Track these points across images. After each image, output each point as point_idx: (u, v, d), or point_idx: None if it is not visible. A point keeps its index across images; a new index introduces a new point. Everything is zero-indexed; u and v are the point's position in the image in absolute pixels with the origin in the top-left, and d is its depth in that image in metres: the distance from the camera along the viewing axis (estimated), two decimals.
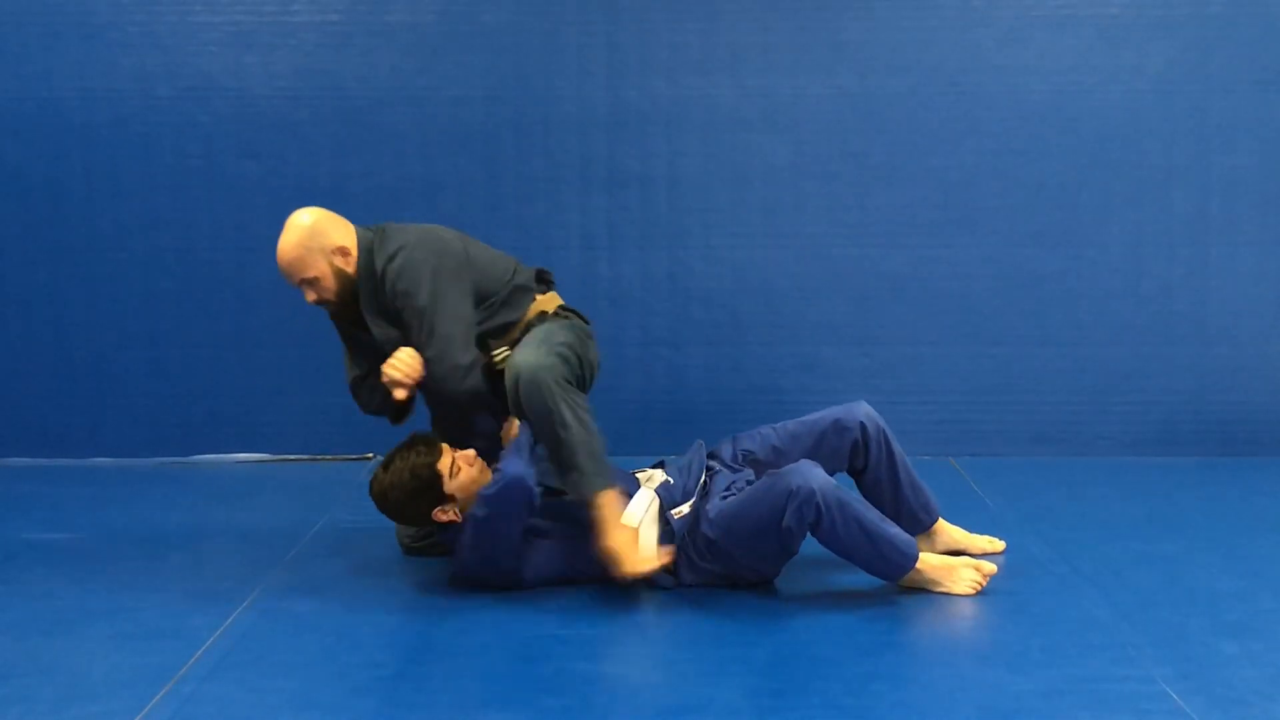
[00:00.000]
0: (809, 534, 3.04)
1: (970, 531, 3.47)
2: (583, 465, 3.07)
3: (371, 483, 3.19)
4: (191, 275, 4.65)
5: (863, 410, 3.32)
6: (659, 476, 3.31)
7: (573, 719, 2.43)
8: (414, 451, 3.14)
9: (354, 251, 3.27)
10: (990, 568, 3.13)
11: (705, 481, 3.27)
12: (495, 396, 3.29)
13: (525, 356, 3.10)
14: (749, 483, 3.20)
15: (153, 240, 4.64)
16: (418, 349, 3.20)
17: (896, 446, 3.33)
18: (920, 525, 3.32)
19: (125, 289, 4.65)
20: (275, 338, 4.66)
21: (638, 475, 3.33)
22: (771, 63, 4.60)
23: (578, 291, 4.54)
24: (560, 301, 3.47)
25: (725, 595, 3.11)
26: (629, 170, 4.63)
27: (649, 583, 3.13)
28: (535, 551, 3.15)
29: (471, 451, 3.18)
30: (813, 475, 2.98)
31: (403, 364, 3.17)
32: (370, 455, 4.68)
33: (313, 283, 3.26)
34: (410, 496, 3.12)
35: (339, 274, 3.26)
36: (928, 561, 3.13)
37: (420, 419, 3.44)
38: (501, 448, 3.22)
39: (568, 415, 3.06)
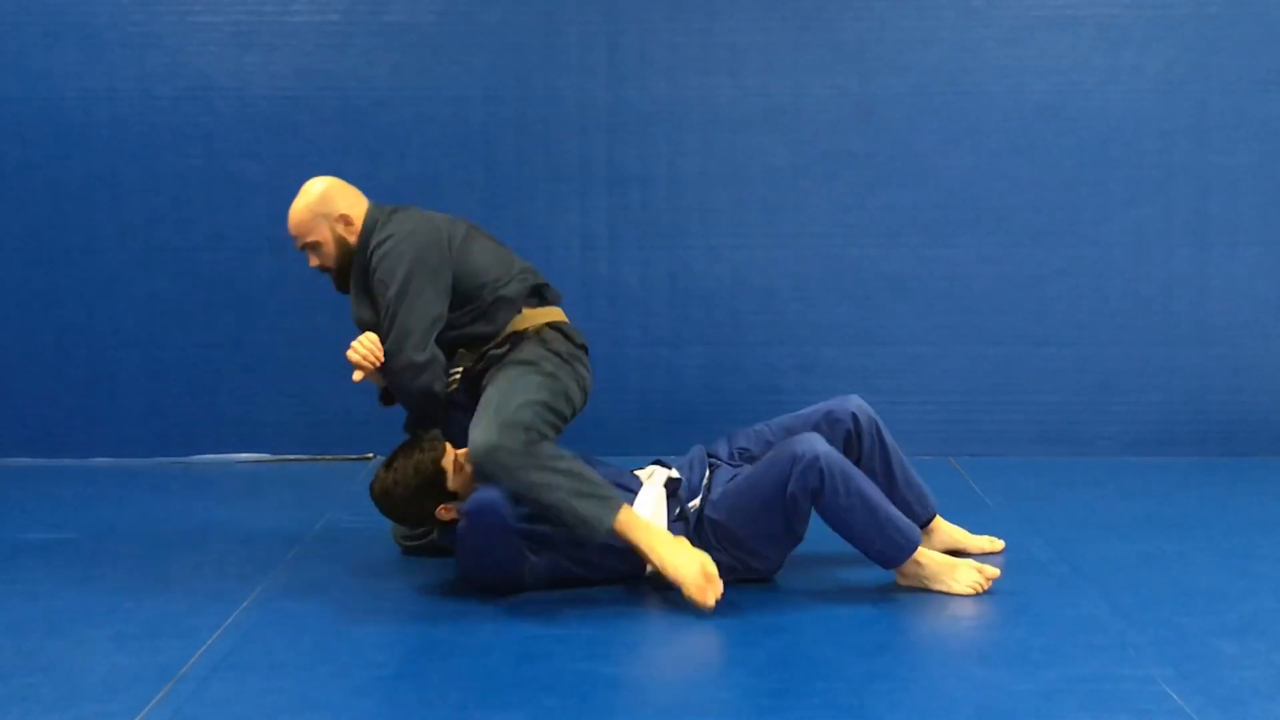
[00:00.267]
0: (812, 508, 3.03)
1: (970, 532, 3.46)
2: (582, 512, 3.00)
3: (373, 483, 3.19)
4: (191, 275, 4.65)
5: (854, 402, 3.34)
6: (660, 473, 3.31)
7: (572, 719, 2.43)
8: (417, 449, 3.14)
9: (357, 223, 3.30)
10: (993, 571, 3.12)
11: (709, 478, 3.28)
12: (454, 406, 3.29)
13: (476, 436, 3.00)
14: None
15: (153, 240, 4.64)
16: (381, 338, 3.21)
17: (890, 439, 3.34)
18: (916, 518, 3.31)
19: (125, 289, 4.65)
20: (275, 338, 4.66)
21: (637, 474, 3.33)
22: (771, 63, 4.60)
23: (578, 292, 4.55)
24: (551, 318, 3.34)
25: (726, 595, 3.10)
26: (629, 170, 4.63)
27: (654, 583, 3.13)
28: (536, 555, 3.14)
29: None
30: (817, 442, 3.02)
31: (362, 347, 3.20)
32: (370, 455, 4.68)
33: (315, 247, 3.33)
34: (414, 494, 3.12)
35: (340, 242, 3.31)
36: (929, 557, 3.12)
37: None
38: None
39: (541, 478, 2.98)
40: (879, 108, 4.61)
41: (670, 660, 2.82)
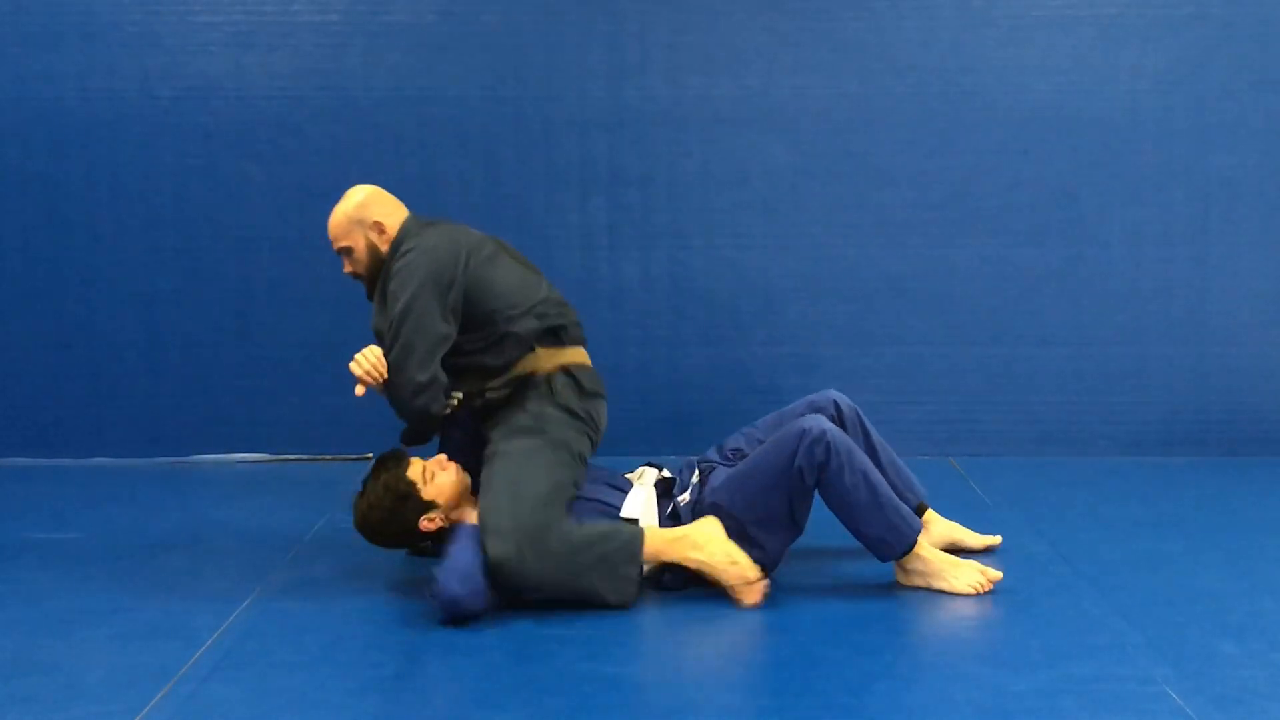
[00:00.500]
0: (816, 489, 3.04)
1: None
2: (614, 575, 2.99)
3: (353, 516, 3.18)
4: (191, 275, 4.65)
5: (834, 393, 3.37)
6: (650, 474, 3.32)
7: (572, 719, 2.43)
8: (383, 469, 3.14)
9: (391, 232, 3.29)
10: (995, 574, 3.12)
11: (703, 476, 3.28)
12: (454, 426, 3.30)
13: (494, 549, 2.93)
14: None
15: (153, 240, 4.64)
16: (385, 352, 3.18)
17: (874, 431, 3.36)
18: (907, 503, 3.31)
19: (125, 289, 4.65)
20: (275, 338, 4.66)
21: (629, 476, 3.34)
22: (771, 63, 4.60)
23: (578, 292, 4.54)
24: (567, 360, 3.28)
25: (725, 596, 3.10)
26: (629, 170, 4.63)
27: (655, 583, 3.13)
28: None
29: (442, 455, 3.18)
30: (823, 420, 3.06)
31: (365, 361, 3.17)
32: (370, 455, 4.68)
33: (347, 252, 3.32)
34: (391, 513, 3.11)
35: (372, 250, 3.30)
36: (932, 553, 3.13)
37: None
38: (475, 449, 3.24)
39: (564, 573, 2.96)
40: (879, 108, 4.61)
41: (670, 660, 2.82)
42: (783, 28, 4.59)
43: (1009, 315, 4.65)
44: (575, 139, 4.62)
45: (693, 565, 3.08)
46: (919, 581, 3.14)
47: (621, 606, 3.01)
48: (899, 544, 3.08)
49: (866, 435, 3.35)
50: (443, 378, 3.17)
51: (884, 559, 3.13)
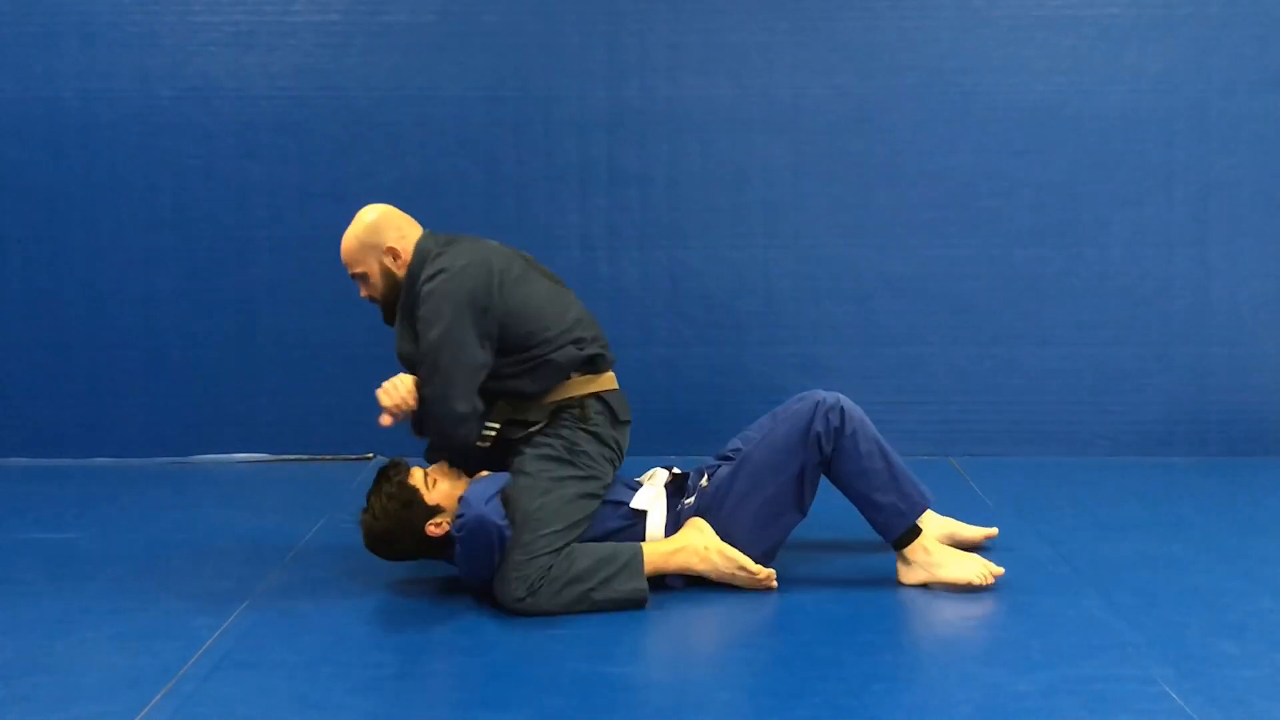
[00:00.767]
0: (831, 458, 3.08)
1: None
2: (617, 596, 3.02)
3: (362, 531, 3.17)
4: (191, 275, 4.65)
5: (821, 390, 3.32)
6: (661, 474, 3.34)
7: (572, 719, 2.43)
8: (384, 480, 3.14)
9: (406, 256, 3.19)
10: (998, 569, 3.14)
11: (708, 478, 3.29)
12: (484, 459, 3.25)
13: (504, 592, 2.99)
14: None
15: (153, 240, 4.64)
16: (419, 383, 3.10)
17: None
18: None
19: (125, 289, 4.65)
20: (275, 338, 4.66)
21: (640, 479, 3.35)
22: (771, 63, 4.60)
23: (578, 292, 4.51)
24: (599, 388, 3.25)
25: (725, 595, 3.11)
26: (629, 170, 4.63)
27: (658, 583, 3.14)
28: None
29: (444, 462, 3.18)
30: (837, 393, 3.14)
31: (395, 393, 3.07)
32: (370, 455, 4.68)
33: (362, 278, 3.24)
34: (397, 521, 3.10)
35: (386, 275, 3.21)
36: (935, 544, 3.14)
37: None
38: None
39: (569, 597, 3.00)
40: (879, 108, 4.61)
41: (670, 660, 2.82)
42: (783, 28, 4.59)
43: (1009, 315, 4.65)
44: (575, 139, 4.62)
45: (698, 573, 3.13)
46: (922, 575, 3.14)
47: (636, 607, 3.06)
48: (911, 511, 3.11)
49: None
50: (480, 406, 3.11)
51: (894, 531, 3.13)
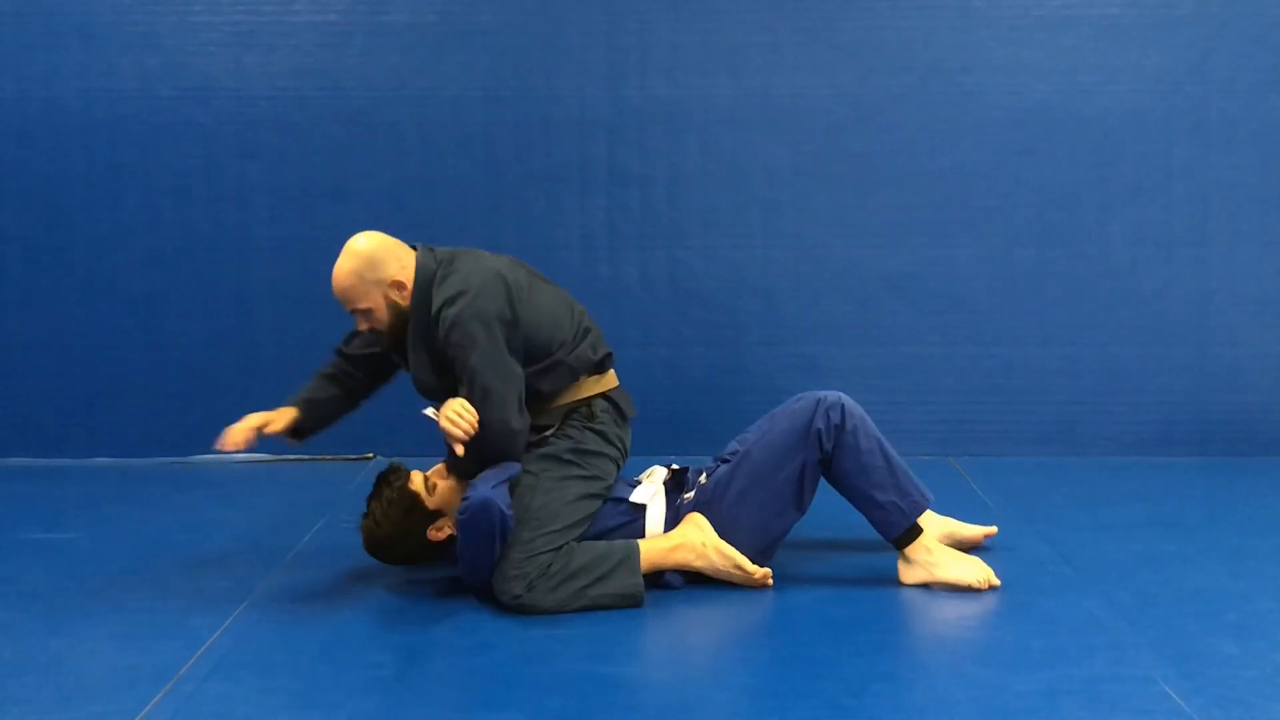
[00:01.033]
0: (831, 455, 3.08)
1: None
2: (614, 592, 3.03)
3: (363, 537, 3.17)
4: (191, 275, 4.65)
5: (820, 391, 3.32)
6: (660, 471, 3.34)
7: (572, 719, 2.43)
8: (384, 485, 3.14)
9: (410, 285, 3.10)
10: (997, 581, 3.14)
11: (707, 476, 3.30)
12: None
13: (500, 589, 3.01)
14: None
15: (153, 240, 4.64)
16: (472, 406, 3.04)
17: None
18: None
19: (125, 289, 4.65)
20: (275, 338, 4.66)
21: (639, 478, 3.35)
22: (771, 63, 4.60)
23: (578, 292, 4.51)
24: (605, 388, 3.27)
25: (725, 595, 3.11)
26: (629, 170, 4.63)
27: (657, 581, 3.14)
28: None
29: (441, 466, 3.18)
30: (839, 391, 3.15)
31: (464, 420, 2.98)
32: (370, 455, 4.68)
33: (366, 314, 3.12)
34: (399, 525, 3.11)
35: (392, 307, 3.11)
36: (936, 544, 3.14)
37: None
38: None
39: (566, 594, 3.01)
40: (879, 108, 4.61)
41: (670, 660, 2.82)
42: (783, 28, 4.59)
43: (1009, 315, 4.65)
44: (575, 139, 4.61)
45: (695, 569, 3.13)
46: (922, 575, 3.14)
47: (633, 605, 3.06)
48: (912, 510, 3.11)
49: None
50: (529, 418, 3.12)
51: (895, 529, 3.13)
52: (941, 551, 3.15)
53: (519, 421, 3.06)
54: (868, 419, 3.15)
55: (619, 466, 3.27)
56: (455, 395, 3.07)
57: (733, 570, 3.12)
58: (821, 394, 3.15)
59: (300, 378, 4.66)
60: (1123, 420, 4.66)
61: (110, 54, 4.58)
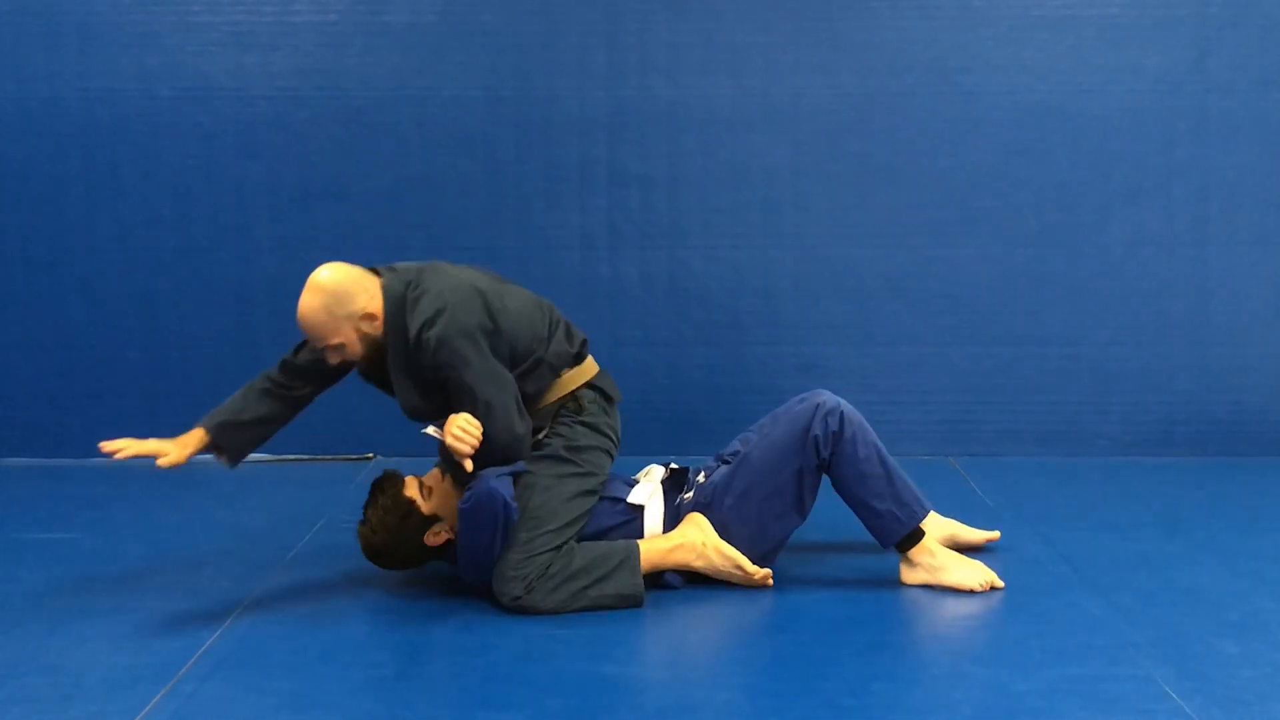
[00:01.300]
0: (829, 461, 3.07)
1: None
2: (613, 593, 3.04)
3: (361, 544, 3.17)
4: (191, 275, 4.65)
5: (824, 392, 3.30)
6: (658, 470, 3.34)
7: (572, 719, 2.43)
8: (379, 492, 3.14)
9: (380, 314, 3.05)
10: (1000, 583, 3.14)
11: (707, 476, 3.29)
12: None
13: (500, 589, 3.01)
14: None
15: (153, 240, 4.64)
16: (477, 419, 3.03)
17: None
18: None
19: (125, 289, 4.65)
20: (275, 338, 4.65)
21: (636, 477, 3.35)
22: (771, 63, 4.60)
23: (578, 291, 4.55)
24: (586, 377, 3.25)
25: (725, 595, 3.11)
26: (629, 170, 4.63)
27: (657, 582, 3.14)
28: None
29: (436, 470, 3.18)
30: (838, 397, 3.14)
31: (468, 436, 2.97)
32: (370, 455, 4.68)
33: (338, 349, 3.08)
34: (396, 532, 3.10)
35: (365, 338, 3.06)
36: (938, 547, 3.14)
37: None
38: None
39: (566, 594, 3.01)
40: (879, 108, 4.61)
41: (670, 660, 2.82)
42: (783, 28, 4.59)
43: (1009, 315, 4.65)
44: (575, 139, 4.61)
45: (695, 570, 3.14)
46: (924, 577, 3.14)
47: (633, 605, 3.06)
48: (909, 519, 3.10)
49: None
50: (530, 420, 3.13)
51: (891, 538, 3.13)
52: (944, 555, 3.15)
53: (521, 426, 3.07)
54: (866, 426, 3.14)
55: (612, 456, 3.27)
56: (444, 415, 3.07)
57: (733, 570, 3.12)
58: (822, 399, 3.14)
59: None
60: (1123, 420, 4.66)
61: (110, 54, 4.58)
